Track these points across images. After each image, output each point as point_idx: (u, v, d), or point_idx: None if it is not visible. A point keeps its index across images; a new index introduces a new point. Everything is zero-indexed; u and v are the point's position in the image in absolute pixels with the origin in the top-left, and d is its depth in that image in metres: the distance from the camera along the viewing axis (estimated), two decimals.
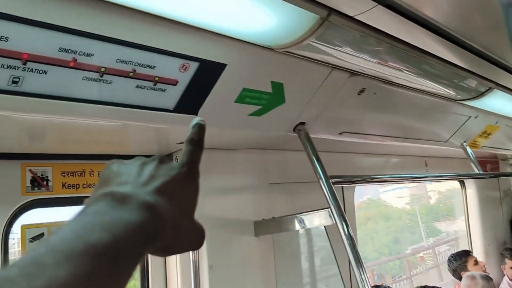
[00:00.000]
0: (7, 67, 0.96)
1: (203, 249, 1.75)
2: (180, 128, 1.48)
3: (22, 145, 1.44)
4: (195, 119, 0.67)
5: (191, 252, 1.73)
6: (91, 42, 1.03)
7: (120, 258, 0.41)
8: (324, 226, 1.90)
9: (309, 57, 1.49)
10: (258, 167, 2.07)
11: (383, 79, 1.92)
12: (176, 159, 1.82)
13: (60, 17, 0.95)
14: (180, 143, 1.71)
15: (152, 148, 1.78)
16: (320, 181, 1.73)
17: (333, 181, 1.75)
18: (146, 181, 0.53)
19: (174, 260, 1.77)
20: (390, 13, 1.27)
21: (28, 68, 0.98)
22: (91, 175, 1.65)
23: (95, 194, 0.50)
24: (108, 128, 1.38)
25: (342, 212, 1.69)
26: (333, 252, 1.98)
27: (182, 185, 0.56)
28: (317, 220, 1.82)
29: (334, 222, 1.69)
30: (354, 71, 1.75)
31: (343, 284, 2.10)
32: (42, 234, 1.48)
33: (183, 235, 0.54)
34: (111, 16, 1.02)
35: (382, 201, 12.09)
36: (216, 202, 1.88)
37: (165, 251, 0.53)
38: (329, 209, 1.72)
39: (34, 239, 1.46)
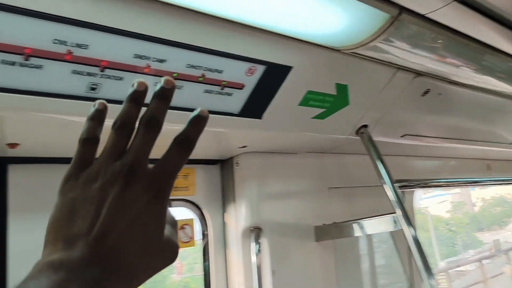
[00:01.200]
0: (87, 74, 0.98)
1: (266, 253, 1.74)
2: (243, 132, 1.48)
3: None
4: (197, 110, 0.53)
5: (254, 257, 1.72)
6: (164, 48, 1.04)
7: None
8: (390, 232, 1.83)
9: (375, 57, 1.45)
10: (316, 171, 2.04)
11: (449, 79, 1.84)
12: (236, 163, 1.82)
13: (135, 24, 0.96)
14: (242, 147, 1.70)
15: (212, 152, 1.79)
16: (385, 185, 1.67)
17: (398, 185, 1.69)
18: (101, 232, 0.45)
19: (236, 265, 1.77)
20: (465, 10, 1.21)
21: (106, 75, 1.00)
22: None
23: (44, 257, 0.45)
24: (171, 133, 1.38)
25: (409, 217, 1.63)
26: (401, 259, 1.92)
27: (149, 218, 0.48)
28: (381, 225, 1.76)
29: (401, 228, 1.63)
30: (419, 71, 1.68)
31: None
32: None
33: (146, 266, 0.49)
34: (183, 21, 1.03)
35: (418, 209, 11.42)
36: (276, 207, 1.86)
37: None
38: (394, 214, 1.66)
39: None
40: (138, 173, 0.48)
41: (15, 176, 1.36)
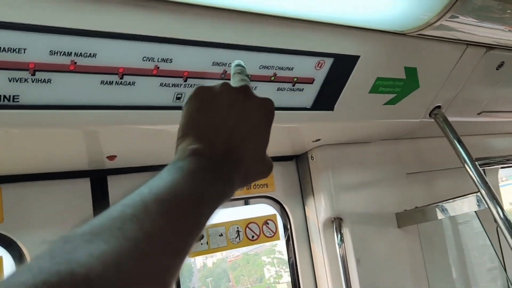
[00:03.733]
0: (172, 86, 1.08)
1: (349, 243, 1.76)
2: (316, 125, 1.53)
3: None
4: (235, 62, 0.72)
5: (337, 247, 1.76)
6: (238, 53, 1.11)
7: (205, 219, 0.50)
8: (476, 212, 1.79)
9: (442, 36, 1.44)
10: (392, 158, 2.03)
11: None
12: (312, 157, 1.87)
13: (212, 34, 1.05)
14: (316, 141, 1.75)
15: (287, 148, 1.85)
16: (465, 164, 1.64)
17: (479, 163, 1.65)
18: (229, 134, 0.58)
19: (321, 256, 1.81)
20: None
21: (188, 84, 1.10)
22: None
23: (188, 144, 0.55)
24: None
25: (494, 194, 1.59)
26: (489, 239, 1.86)
27: (260, 130, 0.61)
28: (465, 206, 1.73)
29: (486, 206, 1.60)
30: (490, 44, 1.64)
31: (506, 274, 1.96)
32: (202, 236, 1.62)
33: (251, 174, 0.61)
34: (253, 26, 1.10)
35: None
36: (354, 196, 1.88)
37: None
38: (477, 193, 1.63)
39: None
40: (252, 93, 0.62)
41: (114, 186, 1.50)
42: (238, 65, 0.72)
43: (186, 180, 0.50)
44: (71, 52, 0.92)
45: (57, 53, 0.91)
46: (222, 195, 0.54)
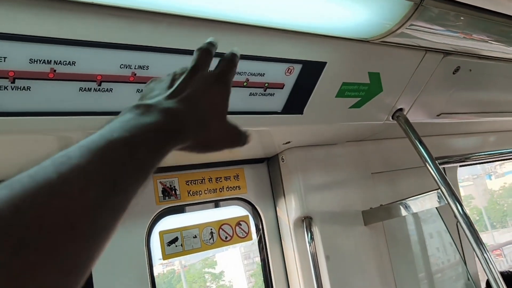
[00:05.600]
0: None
1: (319, 241, 1.84)
2: (287, 128, 1.59)
3: None
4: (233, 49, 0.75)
5: (308, 245, 1.83)
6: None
7: (139, 151, 0.49)
8: (437, 209, 1.89)
9: (403, 43, 1.53)
10: (358, 158, 2.12)
11: (477, 54, 1.89)
12: (282, 159, 1.93)
13: (185, 42, 1.09)
14: (286, 143, 1.81)
15: (259, 151, 1.91)
16: (426, 164, 1.74)
17: (439, 161, 1.75)
18: (174, 92, 0.60)
19: (292, 255, 1.88)
20: None
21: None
22: (210, 181, 1.81)
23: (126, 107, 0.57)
24: None
25: (454, 191, 1.69)
26: (450, 234, 1.97)
27: (211, 92, 0.64)
28: (427, 203, 1.83)
29: (446, 203, 1.69)
30: (447, 50, 1.75)
31: (465, 266, 2.07)
32: (176, 238, 1.65)
33: (217, 134, 0.63)
34: (226, 33, 1.15)
35: None
36: (323, 196, 1.95)
37: (203, 148, 0.63)
38: (438, 190, 1.73)
39: (170, 243, 1.64)
40: (199, 70, 0.66)
41: None
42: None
43: (117, 123, 0.51)
44: (50, 60, 0.95)
45: (36, 61, 0.93)
46: (162, 133, 0.53)
